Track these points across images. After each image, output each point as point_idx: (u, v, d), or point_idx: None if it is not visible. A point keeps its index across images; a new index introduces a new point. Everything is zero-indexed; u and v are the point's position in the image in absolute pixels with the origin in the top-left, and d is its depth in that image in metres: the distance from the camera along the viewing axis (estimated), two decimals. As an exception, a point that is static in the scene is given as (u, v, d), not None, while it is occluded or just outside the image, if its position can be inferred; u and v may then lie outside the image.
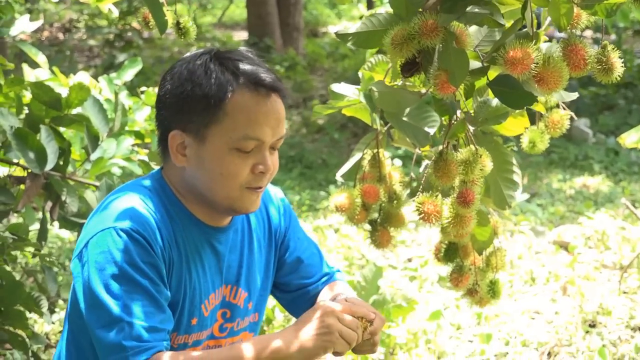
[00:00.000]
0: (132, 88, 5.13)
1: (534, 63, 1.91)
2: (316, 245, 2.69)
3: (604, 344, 4.67)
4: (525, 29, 2.00)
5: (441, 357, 4.66)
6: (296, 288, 2.61)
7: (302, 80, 13.22)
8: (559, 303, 5.37)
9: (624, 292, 5.47)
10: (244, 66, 2.23)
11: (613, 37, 14.20)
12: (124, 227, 2.18)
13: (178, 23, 2.35)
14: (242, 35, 17.21)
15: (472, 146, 2.15)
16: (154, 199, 2.28)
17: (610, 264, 6.11)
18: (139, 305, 2.14)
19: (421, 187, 2.30)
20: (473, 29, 2.15)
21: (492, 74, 2.07)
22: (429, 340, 4.77)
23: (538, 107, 2.30)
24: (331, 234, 7.09)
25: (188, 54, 2.31)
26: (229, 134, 2.20)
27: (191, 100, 2.21)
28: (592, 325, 4.98)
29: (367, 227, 2.51)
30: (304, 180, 9.48)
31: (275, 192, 2.62)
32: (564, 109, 2.36)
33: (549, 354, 4.67)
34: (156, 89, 4.94)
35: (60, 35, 17.37)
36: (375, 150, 2.45)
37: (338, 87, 2.44)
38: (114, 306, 2.12)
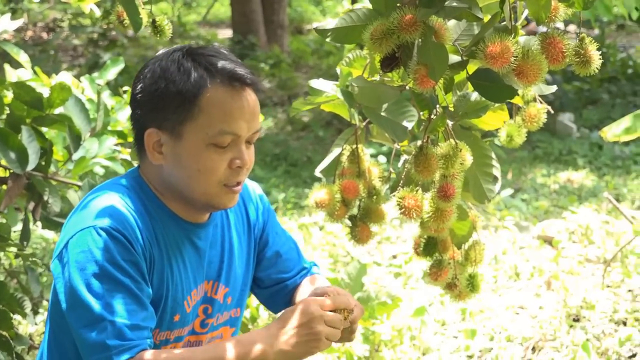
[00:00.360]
0: (116, 87, 5.12)
1: (514, 56, 1.91)
2: (293, 239, 2.70)
3: (588, 338, 4.69)
4: (504, 23, 2.00)
5: (426, 353, 4.67)
6: (274, 283, 2.62)
7: (287, 77, 13.22)
8: (543, 298, 5.38)
9: (608, 286, 5.49)
10: (217, 61, 2.23)
11: (597, 31, 14.25)
12: (103, 226, 2.17)
13: (154, 22, 2.34)
14: (226, 33, 17.20)
15: (452, 140, 2.15)
16: (133, 197, 2.28)
17: (594, 258, 6.12)
18: (121, 303, 2.13)
19: (401, 182, 2.31)
20: (452, 23, 2.15)
21: (472, 67, 2.08)
22: (413, 337, 4.77)
23: (516, 101, 2.30)
24: (316, 231, 7.09)
25: (160, 52, 2.31)
26: (204, 129, 2.20)
27: (165, 98, 2.20)
28: (576, 320, 5.00)
29: (347, 222, 2.51)
30: (288, 178, 9.47)
31: (254, 188, 2.62)
32: (541, 102, 2.36)
33: (533, 348, 4.68)
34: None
35: (44, 35, 17.33)
36: (354, 146, 2.45)
37: (316, 83, 2.44)
38: (95, 305, 2.12)
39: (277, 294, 2.63)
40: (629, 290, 5.38)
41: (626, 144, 9.88)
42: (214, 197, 2.28)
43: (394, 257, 6.37)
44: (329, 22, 2.14)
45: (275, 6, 15.06)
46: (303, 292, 2.57)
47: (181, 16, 19.18)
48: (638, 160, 9.59)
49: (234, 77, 2.22)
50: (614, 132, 3.67)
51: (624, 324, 4.91)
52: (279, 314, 2.31)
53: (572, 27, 12.71)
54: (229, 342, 2.19)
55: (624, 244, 5.75)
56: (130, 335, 2.12)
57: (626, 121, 3.78)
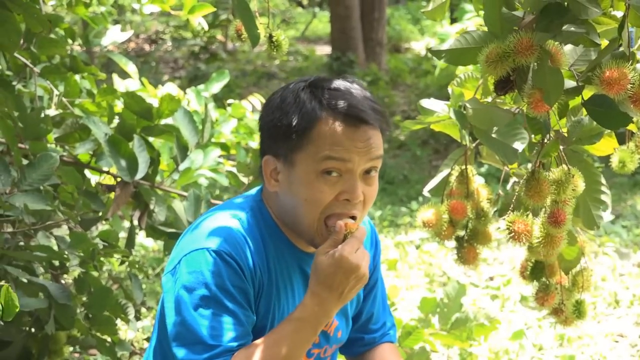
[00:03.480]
0: (216, 100, 5.20)
1: (630, 83, 1.89)
2: (385, 289, 2.69)
3: (689, 370, 4.59)
4: (621, 49, 1.99)
5: (522, 377, 4.63)
6: (357, 329, 2.62)
7: (384, 95, 13.23)
8: (644, 327, 5.29)
9: None
10: (335, 95, 2.23)
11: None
12: (216, 249, 2.20)
13: (271, 36, 2.36)
14: (325, 49, 17.28)
15: (564, 166, 2.14)
16: (250, 220, 2.30)
17: (696, 288, 5.99)
18: (225, 329, 2.15)
19: (511, 205, 2.30)
20: (568, 47, 2.14)
21: (587, 93, 2.06)
22: (510, 360, 4.73)
23: (630, 127, 2.28)
24: (412, 250, 7.07)
25: (292, 83, 2.33)
26: (313, 157, 2.20)
27: (279, 127, 2.23)
28: (677, 350, 4.90)
29: (453, 243, 2.50)
30: (385, 195, 9.47)
31: (374, 227, 2.62)
32: (657, 129, 2.33)
33: (632, 377, 4.60)
34: (242, 102, 5.03)
35: (146, 47, 17.66)
36: (463, 167, 2.45)
37: (427, 103, 2.44)
38: (201, 328, 2.15)
39: (355, 342, 2.63)
40: None
41: None
42: (316, 233, 2.26)
43: (491, 278, 6.32)
44: (444, 44, 2.15)
45: (375, 24, 15.08)
46: None
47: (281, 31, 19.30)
48: None
49: (348, 113, 2.20)
50: None
51: None
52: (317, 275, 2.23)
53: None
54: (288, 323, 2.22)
55: None
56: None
57: None
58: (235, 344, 2.15)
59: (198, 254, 2.21)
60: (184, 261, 2.23)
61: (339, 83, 2.27)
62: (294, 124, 2.21)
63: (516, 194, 2.30)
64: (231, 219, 2.29)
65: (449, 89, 2.44)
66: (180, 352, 2.16)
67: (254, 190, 2.44)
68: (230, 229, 2.25)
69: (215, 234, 2.23)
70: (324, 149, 2.19)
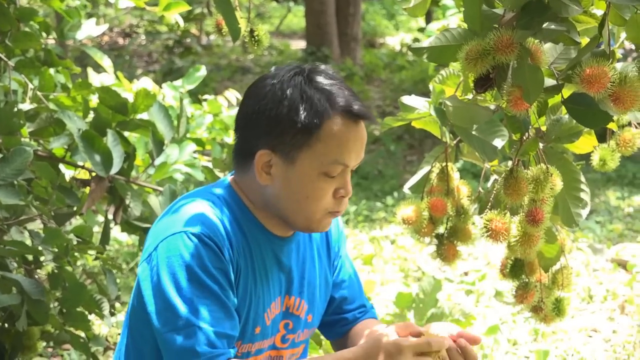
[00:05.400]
0: (191, 95, 5.17)
1: (610, 82, 1.89)
2: (357, 272, 2.70)
3: (663, 365, 4.62)
4: (601, 47, 1.98)
5: (497, 372, 4.64)
6: (334, 311, 2.61)
7: (359, 90, 13.22)
8: (617, 322, 5.31)
9: (684, 313, 5.40)
10: (337, 92, 2.24)
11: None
12: (194, 232, 2.19)
13: (252, 31, 2.33)
14: (299, 44, 17.28)
15: (542, 164, 2.14)
16: (223, 206, 2.29)
17: (669, 284, 6.03)
18: (209, 310, 2.14)
19: (490, 204, 2.29)
20: (548, 46, 2.14)
21: (566, 92, 2.06)
22: (485, 355, 4.74)
23: (611, 125, 2.28)
24: (387, 245, 7.08)
25: (273, 70, 2.31)
26: (320, 158, 2.21)
27: (285, 124, 2.21)
28: (651, 346, 4.93)
29: (431, 240, 2.50)
30: (360, 190, 9.48)
31: None
32: (636, 127, 2.33)
33: (606, 373, 4.63)
34: (218, 97, 5.00)
35: (120, 40, 17.58)
36: (443, 164, 2.44)
37: (408, 100, 2.43)
38: (185, 310, 2.13)
39: (336, 323, 2.62)
40: None
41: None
42: (315, 222, 2.29)
43: (466, 274, 6.34)
44: (424, 42, 2.14)
45: (350, 19, 15.09)
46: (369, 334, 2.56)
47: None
48: None
49: (353, 111, 2.22)
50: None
51: (700, 352, 4.83)
52: (364, 342, 2.28)
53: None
54: (326, 358, 2.23)
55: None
56: (218, 343, 2.13)
57: None
58: (218, 330, 2.14)
59: (175, 238, 2.19)
60: (161, 247, 2.20)
61: (332, 76, 2.28)
62: (302, 120, 2.20)
63: (495, 192, 2.29)
64: (205, 203, 2.27)
65: (430, 86, 2.43)
66: (175, 338, 2.13)
67: (222, 179, 2.43)
68: (205, 212, 2.24)
69: (192, 219, 2.22)
70: (333, 153, 2.21)
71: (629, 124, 2.31)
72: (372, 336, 2.28)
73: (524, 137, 2.21)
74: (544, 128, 2.23)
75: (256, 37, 2.31)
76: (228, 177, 2.41)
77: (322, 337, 3.76)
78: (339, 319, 2.61)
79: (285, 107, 2.21)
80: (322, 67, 2.32)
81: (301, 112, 2.20)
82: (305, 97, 2.21)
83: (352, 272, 2.64)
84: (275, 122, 2.22)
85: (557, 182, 2.15)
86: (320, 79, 2.26)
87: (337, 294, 2.59)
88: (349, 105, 2.23)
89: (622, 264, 6.47)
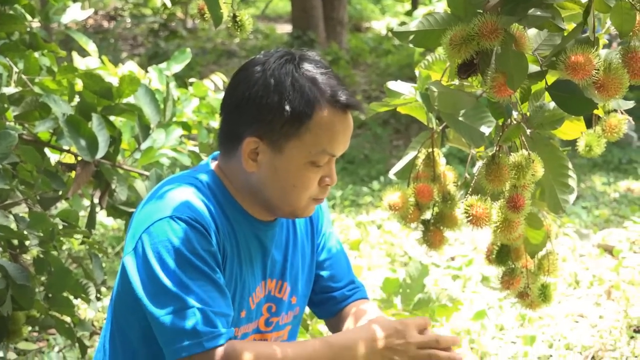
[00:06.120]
0: (176, 79, 5.15)
1: (595, 69, 1.89)
2: (344, 250, 2.70)
3: (649, 350, 4.63)
4: (586, 34, 1.98)
5: (484, 358, 4.64)
6: (323, 290, 2.62)
7: (345, 75, 13.21)
8: (603, 307, 5.33)
9: (669, 298, 5.42)
10: (327, 81, 2.24)
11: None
12: (182, 216, 2.18)
13: (235, 16, 2.31)
14: (285, 28, 17.23)
15: (524, 151, 2.13)
16: (207, 192, 2.29)
17: (655, 269, 6.05)
18: (205, 291, 2.14)
19: (470, 189, 2.29)
20: (532, 32, 2.13)
21: (550, 78, 2.05)
22: (472, 340, 4.75)
23: (597, 111, 2.27)
24: (374, 230, 7.08)
25: (263, 56, 2.30)
26: (308, 148, 2.21)
27: (275, 112, 2.20)
28: (637, 331, 4.94)
29: (417, 226, 2.49)
30: (346, 175, 9.48)
31: None
32: (622, 113, 2.33)
33: (592, 358, 4.63)
34: (204, 81, 4.99)
35: (105, 23, 17.49)
36: (429, 150, 2.44)
37: (394, 85, 2.42)
38: (179, 293, 2.12)
39: (326, 302, 2.63)
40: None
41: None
42: (300, 209, 2.31)
43: (452, 259, 6.35)
44: (409, 25, 2.13)
45: (336, 3, 15.05)
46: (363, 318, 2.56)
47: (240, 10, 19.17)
48: (700, 171, 9.46)
49: (342, 102, 2.23)
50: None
51: (685, 337, 4.85)
52: (374, 320, 2.31)
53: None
54: (319, 342, 2.23)
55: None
56: (218, 322, 2.13)
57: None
58: (216, 310, 2.13)
59: (162, 223, 2.18)
60: (148, 233, 2.19)
61: (322, 64, 2.28)
62: (292, 109, 2.20)
63: (476, 177, 2.29)
64: (190, 188, 2.27)
65: (416, 72, 2.42)
66: (173, 321, 2.12)
67: (204, 163, 2.42)
68: (190, 196, 2.24)
69: (177, 203, 2.21)
70: (321, 143, 2.22)
71: (615, 109, 2.31)
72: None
73: (507, 123, 2.21)
74: (527, 114, 2.23)
75: (239, 23, 2.29)
76: (210, 162, 2.40)
77: (309, 321, 3.78)
78: (328, 298, 2.62)
79: (276, 95, 2.21)
80: (311, 54, 2.31)
81: (292, 102, 2.19)
82: (296, 87, 2.21)
83: (338, 250, 2.65)
84: (265, 110, 2.21)
85: (538, 168, 2.15)
86: (310, 67, 2.25)
87: (323, 271, 2.60)
88: (339, 95, 2.23)
89: (609, 250, 6.49)
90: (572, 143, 2.31)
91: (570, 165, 2.26)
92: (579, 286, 5.75)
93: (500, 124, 2.24)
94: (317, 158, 2.23)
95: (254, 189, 2.30)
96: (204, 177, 2.33)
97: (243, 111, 2.25)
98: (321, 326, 4.60)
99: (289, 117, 2.19)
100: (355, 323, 2.52)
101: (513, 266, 2.39)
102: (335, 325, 2.62)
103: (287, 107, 2.19)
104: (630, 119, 2.29)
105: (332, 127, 2.22)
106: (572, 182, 2.27)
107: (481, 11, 2.03)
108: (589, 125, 2.31)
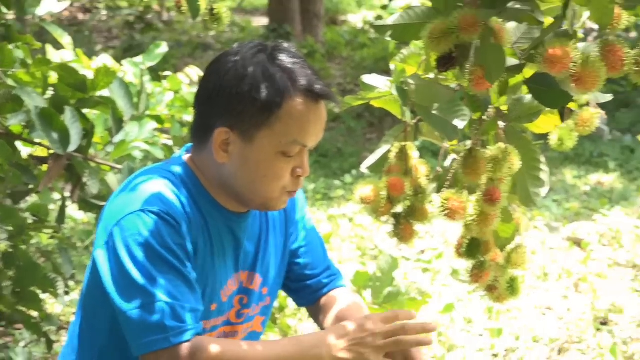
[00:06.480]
0: (151, 72, 5.13)
1: (572, 62, 1.90)
2: (320, 237, 2.71)
3: (615, 342, 4.67)
4: (564, 27, 1.99)
5: (451, 350, 4.67)
6: (300, 277, 2.62)
7: (321, 68, 13.18)
8: (571, 300, 5.37)
9: (637, 291, 5.47)
10: (300, 71, 2.24)
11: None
12: (153, 210, 2.17)
13: (212, 9, 2.30)
14: (261, 21, 17.18)
15: (501, 144, 2.14)
16: (180, 184, 2.28)
17: (623, 262, 6.11)
18: (174, 286, 2.14)
19: (446, 183, 2.29)
20: (511, 25, 2.13)
21: (528, 72, 2.06)
22: (440, 333, 4.78)
23: (571, 104, 2.28)
24: (345, 223, 7.09)
25: (236, 47, 2.29)
26: (279, 138, 2.20)
27: (245, 102, 2.19)
28: (604, 323, 4.99)
29: (388, 219, 2.49)
30: (319, 168, 9.47)
31: None
32: (595, 107, 2.34)
33: (559, 350, 4.67)
34: (178, 74, 4.96)
35: (80, 15, 17.36)
36: (403, 143, 2.44)
37: (369, 79, 2.41)
38: (148, 287, 2.12)
39: (303, 290, 2.63)
40: (659, 296, 5.36)
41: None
42: (272, 201, 2.30)
43: (422, 252, 6.37)
44: (388, 19, 2.13)
45: (312, -4, 15.04)
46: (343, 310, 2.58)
47: (216, 2, 19.11)
48: (671, 165, 9.53)
49: (314, 91, 2.22)
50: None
51: (653, 329, 4.90)
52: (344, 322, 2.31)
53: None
54: (289, 341, 2.25)
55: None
56: (186, 317, 2.12)
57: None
58: (184, 305, 2.13)
59: (134, 217, 2.17)
60: (119, 227, 2.18)
61: (296, 55, 2.28)
62: (262, 99, 2.19)
63: (453, 171, 2.29)
64: (162, 181, 2.26)
65: (391, 65, 2.41)
66: (141, 316, 2.11)
67: (177, 155, 2.41)
68: (162, 189, 2.23)
69: (149, 197, 2.20)
70: (292, 133, 2.21)
71: (588, 103, 2.32)
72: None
73: (484, 117, 2.21)
74: (503, 108, 2.23)
75: (216, 15, 2.28)
76: (183, 154, 2.39)
77: (277, 315, 3.79)
78: (304, 286, 2.62)
79: (247, 85, 2.20)
80: (285, 45, 2.31)
81: (262, 91, 2.19)
82: (267, 76, 2.20)
83: (314, 238, 2.65)
84: (235, 99, 2.21)
85: (515, 161, 2.16)
86: (283, 57, 2.25)
87: (299, 259, 2.60)
88: (311, 84, 2.23)
89: (577, 242, 6.54)
90: (545, 137, 2.33)
91: (542, 159, 2.27)
92: (548, 279, 5.80)
93: (477, 117, 2.25)
94: (288, 148, 2.22)
95: (225, 181, 2.29)
96: (176, 170, 2.32)
97: (215, 102, 2.25)
98: (290, 320, 4.61)
99: (260, 107, 2.19)
100: (331, 315, 2.54)
101: (482, 259, 2.40)
102: (314, 313, 2.63)
103: (257, 96, 2.18)
104: (603, 112, 2.30)
105: (304, 116, 2.21)
106: (544, 176, 2.28)
107: (461, 4, 2.03)
108: (562, 118, 2.32)
